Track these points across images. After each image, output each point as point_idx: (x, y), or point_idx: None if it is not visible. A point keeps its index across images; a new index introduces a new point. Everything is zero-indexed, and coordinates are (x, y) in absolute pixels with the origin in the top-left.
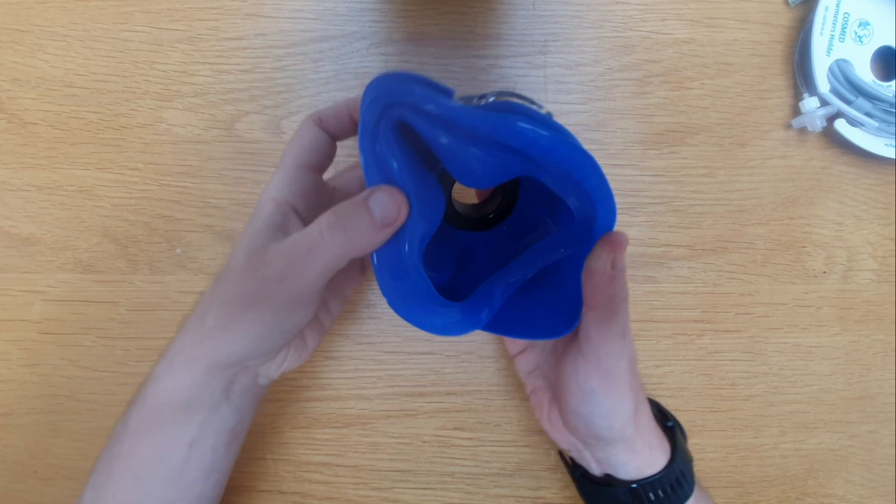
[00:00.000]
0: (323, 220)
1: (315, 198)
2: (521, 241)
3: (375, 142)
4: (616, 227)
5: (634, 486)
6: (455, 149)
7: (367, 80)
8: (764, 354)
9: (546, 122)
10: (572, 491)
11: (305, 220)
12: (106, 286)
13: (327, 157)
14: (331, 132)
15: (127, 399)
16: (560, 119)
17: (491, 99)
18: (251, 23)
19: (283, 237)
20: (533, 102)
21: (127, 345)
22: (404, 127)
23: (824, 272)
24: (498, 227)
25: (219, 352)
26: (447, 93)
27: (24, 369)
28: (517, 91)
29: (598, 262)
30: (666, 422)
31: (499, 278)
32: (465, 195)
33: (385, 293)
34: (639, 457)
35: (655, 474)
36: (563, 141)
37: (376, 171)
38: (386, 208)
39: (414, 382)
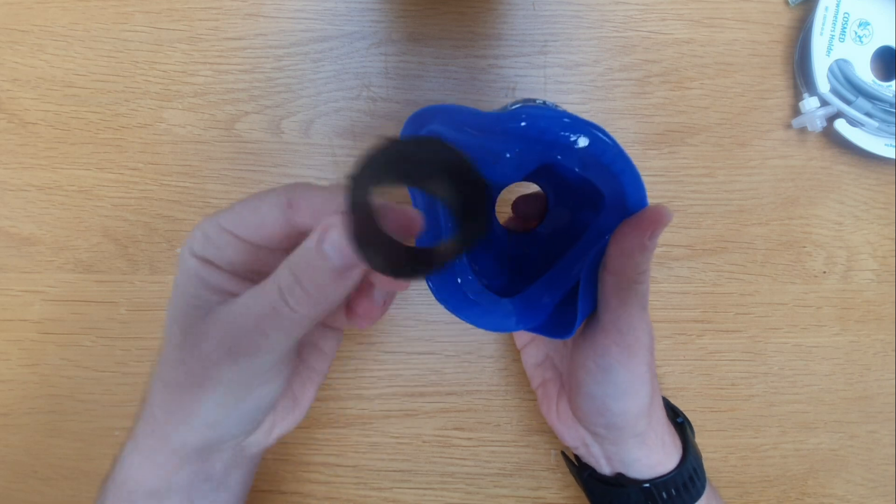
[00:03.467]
0: (276, 281)
1: (252, 244)
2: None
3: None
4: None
5: (647, 485)
6: (485, 148)
7: (367, 80)
8: (764, 354)
9: (564, 113)
10: (572, 491)
11: (242, 271)
12: (106, 286)
13: (274, 241)
14: (300, 224)
15: (127, 399)
16: None
17: (514, 106)
18: (251, 23)
19: (219, 300)
20: (556, 105)
21: (127, 345)
22: None
23: (824, 272)
24: (543, 235)
25: (173, 442)
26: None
27: (24, 369)
28: (535, 98)
29: (634, 229)
30: (676, 418)
31: (550, 278)
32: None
33: (439, 298)
34: (652, 453)
35: (668, 473)
36: (579, 120)
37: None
38: (344, 251)
39: (414, 382)
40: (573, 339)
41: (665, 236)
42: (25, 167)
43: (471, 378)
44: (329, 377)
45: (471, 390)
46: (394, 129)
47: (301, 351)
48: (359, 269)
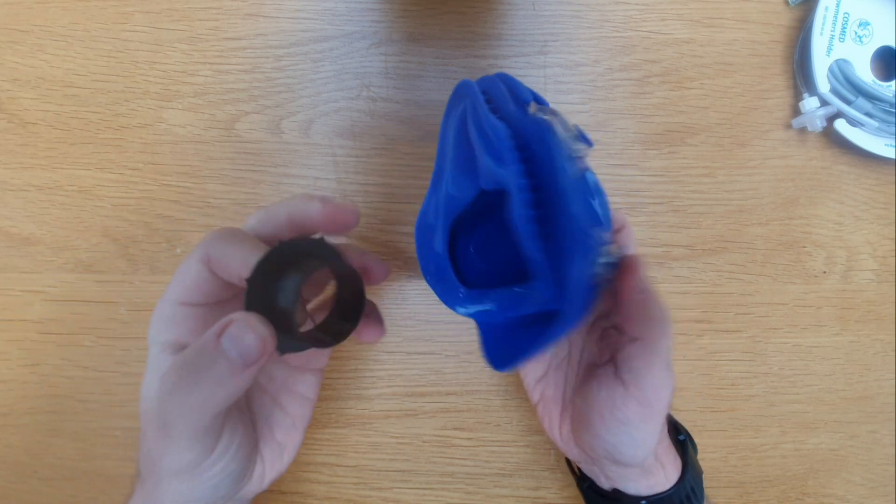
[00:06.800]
0: (171, 376)
1: (204, 305)
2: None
3: (448, 121)
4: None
5: (643, 502)
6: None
7: (367, 80)
8: (764, 354)
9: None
10: (572, 491)
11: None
12: (106, 286)
13: (215, 295)
14: (226, 271)
15: (127, 399)
16: None
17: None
18: (251, 23)
19: None
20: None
21: (127, 345)
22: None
23: (824, 272)
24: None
25: None
26: (524, 100)
27: (24, 369)
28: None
29: (629, 286)
30: (678, 434)
31: (496, 291)
32: None
33: (420, 260)
34: (651, 477)
35: (665, 491)
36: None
37: (441, 143)
38: (244, 346)
39: (414, 382)
40: (583, 378)
41: (665, 236)
42: (25, 167)
43: (471, 378)
44: (329, 377)
45: (471, 390)
46: (394, 129)
47: (279, 398)
48: (259, 362)
